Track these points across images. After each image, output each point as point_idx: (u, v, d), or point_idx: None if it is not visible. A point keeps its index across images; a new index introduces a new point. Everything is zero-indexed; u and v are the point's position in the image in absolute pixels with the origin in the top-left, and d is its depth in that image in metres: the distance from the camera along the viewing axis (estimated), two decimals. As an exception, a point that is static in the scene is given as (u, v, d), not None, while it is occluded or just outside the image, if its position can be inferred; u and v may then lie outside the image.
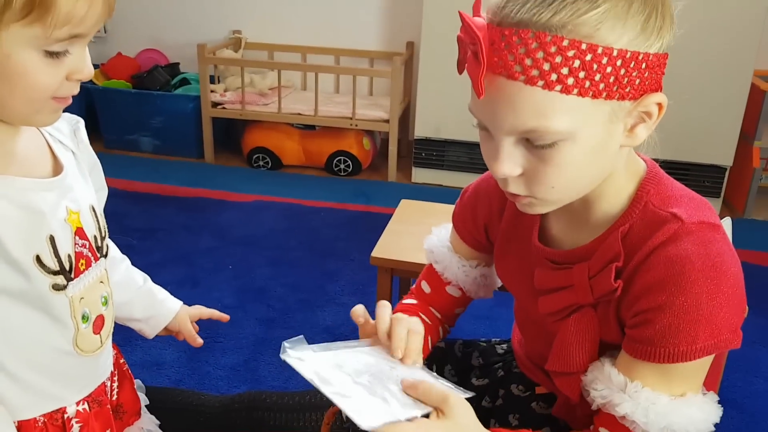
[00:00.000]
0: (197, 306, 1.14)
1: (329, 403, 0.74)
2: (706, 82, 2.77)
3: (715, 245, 0.71)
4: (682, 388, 0.74)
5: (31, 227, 0.74)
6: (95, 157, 0.91)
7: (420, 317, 0.96)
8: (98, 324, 0.84)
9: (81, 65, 0.70)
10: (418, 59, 3.16)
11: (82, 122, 0.90)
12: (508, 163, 0.70)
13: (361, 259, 2.36)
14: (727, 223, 1.08)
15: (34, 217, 0.74)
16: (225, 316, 1.16)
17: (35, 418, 0.80)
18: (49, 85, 0.69)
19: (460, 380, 1.02)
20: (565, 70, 0.63)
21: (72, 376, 0.83)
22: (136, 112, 3.30)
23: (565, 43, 0.62)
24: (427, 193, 3.07)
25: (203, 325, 1.93)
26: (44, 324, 0.78)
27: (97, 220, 0.84)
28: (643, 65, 0.65)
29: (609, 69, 0.64)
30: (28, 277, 0.74)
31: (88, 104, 3.38)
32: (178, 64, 3.52)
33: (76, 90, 0.73)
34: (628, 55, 0.64)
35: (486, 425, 0.74)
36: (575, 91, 0.64)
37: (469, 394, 0.77)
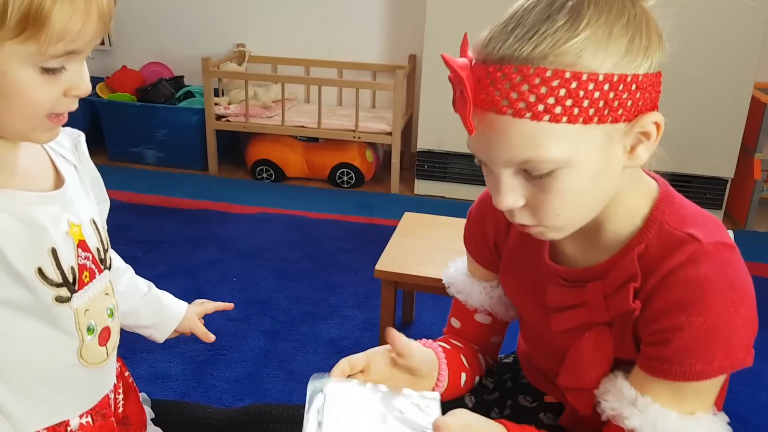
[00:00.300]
0: (201, 301, 1.14)
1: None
2: (707, 94, 2.79)
3: (732, 267, 0.72)
4: (693, 407, 0.74)
5: (32, 240, 0.74)
6: (96, 171, 0.92)
7: (455, 356, 0.95)
8: (104, 336, 0.84)
9: (78, 81, 0.70)
10: (420, 72, 3.18)
11: (83, 136, 0.90)
12: (510, 196, 0.71)
13: (364, 271, 2.37)
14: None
15: (35, 230, 0.74)
16: (229, 305, 1.17)
17: (38, 431, 0.80)
18: (46, 102, 0.69)
19: (474, 400, 1.02)
20: (551, 100, 0.64)
21: (76, 389, 0.83)
22: (140, 125, 3.32)
23: (549, 73, 0.63)
24: (429, 204, 3.08)
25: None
26: (49, 336, 0.78)
27: (99, 233, 0.84)
28: (633, 86, 0.66)
29: (597, 94, 0.64)
30: (31, 289, 0.74)
31: (93, 117, 3.41)
32: (182, 77, 3.55)
33: (74, 106, 0.73)
34: (615, 79, 0.65)
35: None
36: (564, 119, 0.65)
37: None
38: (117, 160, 3.43)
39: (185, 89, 3.44)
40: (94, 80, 3.50)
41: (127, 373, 0.99)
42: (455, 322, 1.02)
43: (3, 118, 0.69)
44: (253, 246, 2.57)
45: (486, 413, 0.99)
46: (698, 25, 2.68)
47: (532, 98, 0.64)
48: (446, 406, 0.81)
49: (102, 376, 0.87)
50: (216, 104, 3.26)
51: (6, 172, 0.75)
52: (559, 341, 0.85)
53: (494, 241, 0.95)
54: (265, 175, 3.30)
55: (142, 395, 1.04)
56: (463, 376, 0.95)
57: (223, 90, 3.42)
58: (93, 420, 0.85)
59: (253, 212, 2.90)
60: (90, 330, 0.81)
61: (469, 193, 3.13)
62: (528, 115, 0.64)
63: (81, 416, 0.84)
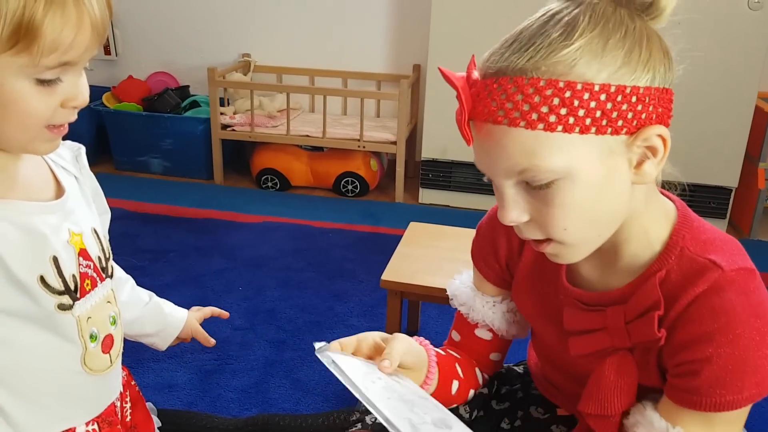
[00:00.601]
0: (197, 308, 1.16)
1: (343, 426, 0.75)
2: (711, 104, 2.80)
3: (755, 293, 0.72)
4: None
5: (33, 249, 0.75)
6: (97, 183, 0.93)
7: (449, 366, 0.94)
8: (107, 343, 0.84)
9: (75, 92, 0.71)
10: (424, 82, 3.19)
11: (83, 149, 0.91)
12: (514, 210, 0.71)
13: (369, 280, 2.37)
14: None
15: (36, 239, 0.75)
16: (225, 313, 1.19)
17: None
18: (43, 113, 0.69)
19: (483, 407, 1.02)
20: (544, 109, 0.65)
21: (81, 396, 0.84)
22: (146, 135, 3.34)
23: (542, 83, 0.64)
24: (434, 213, 3.09)
25: (214, 348, 1.95)
26: (52, 344, 0.78)
27: (101, 242, 0.85)
28: (633, 98, 0.66)
29: (593, 104, 0.65)
30: (33, 297, 0.74)
31: (99, 126, 3.42)
32: (188, 86, 3.57)
33: (72, 117, 0.73)
34: (612, 90, 0.65)
35: None
36: (559, 128, 0.65)
37: None
38: (123, 169, 3.45)
39: (191, 99, 3.46)
40: (101, 90, 3.53)
41: (133, 382, 0.99)
42: (455, 335, 1.02)
43: (2, 131, 0.70)
44: (259, 255, 2.58)
45: (496, 424, 0.99)
46: (702, 35, 2.68)
47: (526, 107, 0.65)
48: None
49: (107, 384, 0.87)
50: (221, 114, 3.28)
51: (7, 183, 0.75)
52: (578, 363, 0.84)
53: (506, 258, 0.94)
54: (270, 184, 3.32)
55: (149, 405, 1.04)
56: (455, 383, 0.94)
57: (228, 100, 3.44)
58: (99, 428, 0.85)
59: (259, 221, 2.91)
60: (93, 337, 0.82)
61: (474, 202, 3.14)
62: (522, 124, 0.65)
63: (87, 424, 0.84)
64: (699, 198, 2.91)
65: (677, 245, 0.75)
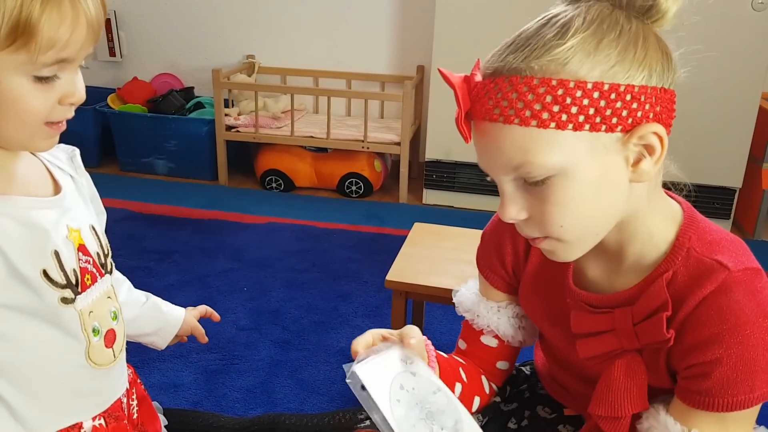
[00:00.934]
0: (191, 308, 1.18)
1: (348, 425, 0.76)
2: (714, 104, 2.80)
3: (763, 293, 0.72)
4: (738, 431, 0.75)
5: (36, 243, 0.76)
6: (92, 184, 0.94)
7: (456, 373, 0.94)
8: (110, 338, 0.85)
9: (72, 89, 0.72)
10: (428, 83, 3.20)
11: (77, 151, 0.92)
12: (513, 207, 0.72)
13: (374, 281, 2.38)
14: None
15: (38, 233, 0.76)
16: (216, 316, 1.21)
17: None
18: (41, 110, 0.71)
19: (491, 408, 1.02)
20: (537, 106, 0.66)
21: (87, 391, 0.85)
22: (151, 136, 3.35)
23: (536, 81, 0.66)
24: (438, 214, 3.10)
25: (219, 347, 1.96)
26: (57, 338, 0.79)
27: (99, 239, 0.86)
28: (628, 96, 0.66)
29: (586, 101, 0.65)
30: (38, 291, 0.75)
31: (105, 128, 3.44)
32: (192, 88, 3.58)
33: (69, 114, 0.74)
34: (606, 88, 0.66)
35: None
36: (552, 125, 0.66)
37: None
38: (128, 170, 3.46)
39: (195, 100, 3.47)
40: (106, 91, 3.55)
41: (139, 381, 1.00)
42: (462, 344, 1.02)
43: (1, 128, 0.71)
44: (264, 256, 2.59)
45: (504, 424, 1.00)
46: (705, 36, 2.67)
47: (520, 105, 0.66)
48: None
49: (112, 379, 0.88)
50: (226, 115, 3.29)
51: (7, 180, 0.77)
52: (586, 366, 0.84)
53: (512, 264, 0.94)
54: (274, 185, 3.33)
55: (155, 404, 1.05)
56: (458, 386, 0.94)
57: (233, 101, 3.45)
58: (106, 423, 0.86)
59: (263, 222, 2.92)
60: (95, 332, 0.83)
61: (478, 202, 3.15)
62: (516, 121, 0.67)
63: (94, 419, 0.85)
64: (703, 199, 2.91)
65: (684, 246, 0.76)
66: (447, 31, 2.93)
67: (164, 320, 1.11)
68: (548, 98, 0.66)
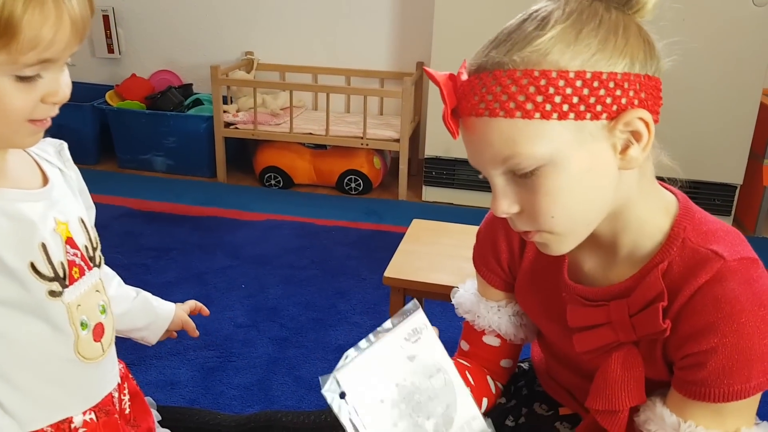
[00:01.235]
0: (180, 303, 1.17)
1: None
2: (715, 101, 2.78)
3: (759, 282, 0.72)
4: (736, 424, 0.74)
5: (23, 236, 0.75)
6: (81, 178, 0.93)
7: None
8: (98, 332, 0.85)
9: (56, 88, 0.71)
10: (428, 79, 3.18)
11: (65, 145, 0.92)
12: (504, 201, 0.73)
13: (372, 278, 2.37)
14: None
15: (25, 226, 0.76)
16: (206, 310, 1.20)
17: (42, 429, 0.81)
18: (23, 108, 0.70)
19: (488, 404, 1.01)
20: (521, 98, 0.66)
21: (76, 385, 0.84)
22: (149, 133, 3.34)
23: (518, 74, 0.67)
24: (437, 211, 3.09)
25: (217, 344, 1.95)
26: (45, 332, 0.79)
27: (88, 232, 0.86)
28: (611, 84, 0.67)
29: (569, 90, 0.66)
30: (25, 284, 0.75)
31: (103, 125, 3.43)
32: (191, 85, 3.57)
33: (53, 112, 0.74)
34: (588, 76, 0.66)
35: None
36: (537, 115, 0.66)
37: None
38: (126, 167, 3.45)
39: (194, 97, 3.46)
40: (104, 88, 3.54)
41: (131, 376, 1.00)
42: (464, 345, 1.01)
43: None
44: (262, 253, 2.58)
45: (501, 421, 0.99)
46: (706, 31, 2.68)
47: (504, 97, 0.67)
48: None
49: (101, 373, 0.88)
50: (225, 112, 3.28)
51: None
52: (583, 360, 0.84)
53: (508, 261, 0.94)
54: (273, 182, 3.32)
55: (148, 399, 1.05)
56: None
57: (231, 98, 3.44)
58: (97, 417, 0.86)
59: (262, 219, 2.91)
60: (84, 325, 0.83)
61: (477, 199, 3.14)
62: (501, 113, 0.67)
63: (84, 413, 0.85)
64: (703, 195, 2.90)
65: (679, 236, 0.75)
66: (446, 27, 2.92)
67: (155, 314, 1.10)
68: (531, 89, 0.66)
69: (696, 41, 2.65)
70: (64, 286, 0.79)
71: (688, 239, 0.75)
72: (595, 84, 0.66)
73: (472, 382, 0.95)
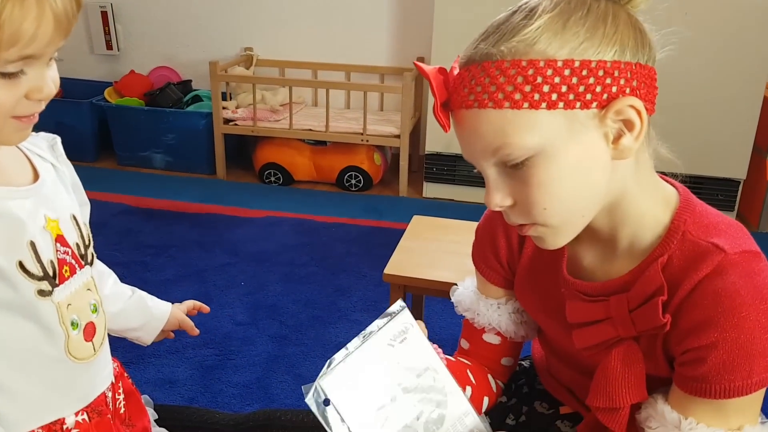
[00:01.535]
0: (177, 304, 1.16)
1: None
2: (718, 95, 2.76)
3: (760, 275, 0.70)
4: (739, 421, 0.73)
5: (11, 234, 0.74)
6: (75, 173, 0.92)
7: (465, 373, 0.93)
8: (89, 331, 0.84)
9: (40, 85, 0.70)
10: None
11: (58, 139, 0.90)
12: (498, 193, 0.72)
13: (373, 275, 2.36)
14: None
15: (13, 224, 0.74)
16: (206, 307, 1.19)
17: (33, 431, 0.80)
18: (5, 105, 0.68)
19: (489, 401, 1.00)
20: (510, 88, 0.66)
21: (67, 386, 0.83)
22: (148, 129, 3.33)
23: (506, 64, 0.66)
24: (438, 207, 3.07)
25: (215, 342, 1.94)
26: (34, 332, 0.77)
27: (80, 229, 0.84)
28: (600, 72, 0.66)
29: (557, 79, 0.65)
30: (13, 284, 0.74)
31: (102, 122, 3.42)
32: (190, 81, 3.56)
33: (38, 108, 0.72)
34: (576, 65, 0.65)
35: None
36: (525, 104, 0.66)
37: None
38: (126, 164, 3.44)
39: (193, 93, 3.44)
40: (102, 85, 3.53)
41: (126, 375, 0.99)
42: (464, 343, 1.00)
43: None
44: (262, 250, 2.56)
45: (501, 419, 0.98)
46: (709, 25, 2.66)
47: (492, 88, 0.67)
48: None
49: (93, 373, 0.86)
50: (224, 108, 3.27)
51: None
52: (583, 356, 0.83)
53: (507, 257, 0.93)
54: (273, 179, 3.30)
55: (145, 397, 1.04)
56: (468, 389, 0.92)
57: (230, 94, 3.43)
58: (89, 417, 0.85)
59: (261, 216, 2.89)
60: (74, 325, 0.81)
61: (478, 196, 3.11)
62: (490, 104, 0.67)
63: (76, 414, 0.84)
64: (706, 190, 2.88)
65: (679, 229, 0.74)
66: (446, 21, 2.90)
67: (150, 314, 1.08)
68: (519, 79, 0.66)
69: (699, 35, 2.64)
70: (54, 285, 0.78)
71: (689, 232, 0.74)
72: (584, 72, 0.66)
73: (474, 381, 0.94)
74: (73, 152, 0.91)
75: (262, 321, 2.09)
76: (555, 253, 0.83)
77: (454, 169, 3.14)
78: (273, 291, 2.27)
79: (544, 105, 0.66)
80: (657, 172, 0.79)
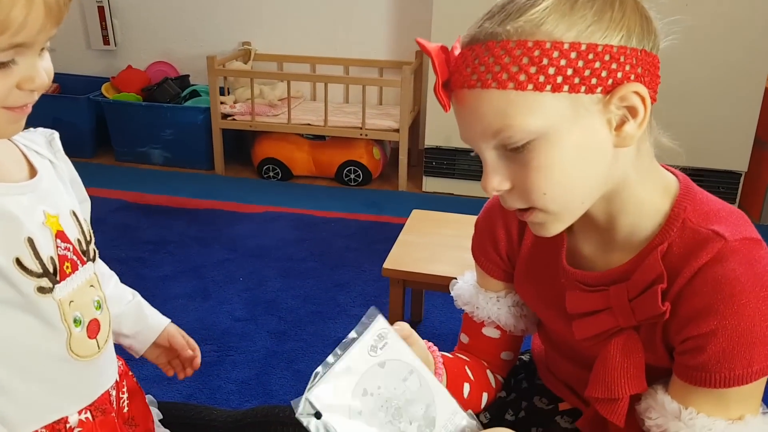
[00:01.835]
0: (178, 327, 1.13)
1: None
2: (720, 87, 2.75)
3: (761, 263, 0.69)
4: (740, 411, 0.72)
5: (7, 231, 0.73)
6: (74, 170, 0.91)
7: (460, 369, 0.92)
8: (93, 328, 0.82)
9: (32, 75, 0.68)
10: (427, 68, 3.15)
11: (56, 134, 0.89)
12: (495, 177, 0.71)
13: (372, 269, 2.34)
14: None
15: (9, 221, 0.73)
16: (197, 346, 1.16)
17: (36, 431, 0.78)
18: None
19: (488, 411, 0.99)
20: (514, 69, 0.65)
21: (70, 384, 0.82)
22: (146, 125, 3.31)
23: (512, 44, 0.65)
24: (438, 202, 3.06)
25: (214, 338, 1.92)
26: (36, 330, 0.76)
27: (80, 225, 0.83)
28: (606, 56, 0.65)
29: (563, 62, 0.64)
30: (11, 281, 0.72)
31: (99, 117, 3.40)
32: (188, 76, 3.54)
33: (31, 99, 0.71)
34: (583, 48, 0.64)
35: None
36: (530, 86, 0.64)
37: None
38: (123, 160, 3.42)
39: (191, 88, 3.43)
40: (100, 80, 3.51)
41: (131, 373, 0.97)
42: (464, 338, 1.00)
43: None
44: (260, 245, 2.55)
45: (500, 415, 0.97)
46: (710, 17, 2.64)
47: (497, 68, 0.65)
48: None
49: (96, 371, 0.85)
50: (222, 103, 3.25)
51: None
52: (583, 347, 0.82)
53: (506, 250, 0.92)
54: (271, 174, 3.29)
55: (149, 397, 1.03)
56: (467, 386, 0.92)
57: (228, 89, 3.41)
58: (93, 416, 0.83)
59: (260, 211, 2.88)
60: (77, 322, 0.80)
61: (478, 189, 3.09)
62: (494, 84, 0.66)
63: (80, 412, 0.82)
64: (708, 182, 2.87)
65: (679, 217, 0.73)
66: (445, 15, 2.89)
67: (145, 324, 1.06)
68: (525, 60, 0.64)
69: (700, 26, 2.62)
70: (55, 282, 0.76)
71: (689, 219, 0.73)
72: (590, 56, 0.64)
73: (472, 378, 0.93)
74: (70, 148, 0.90)
75: (261, 316, 2.07)
76: (554, 244, 0.83)
77: (454, 163, 3.12)
78: (272, 286, 2.25)
79: (548, 87, 0.64)
80: (664, 165, 0.78)
